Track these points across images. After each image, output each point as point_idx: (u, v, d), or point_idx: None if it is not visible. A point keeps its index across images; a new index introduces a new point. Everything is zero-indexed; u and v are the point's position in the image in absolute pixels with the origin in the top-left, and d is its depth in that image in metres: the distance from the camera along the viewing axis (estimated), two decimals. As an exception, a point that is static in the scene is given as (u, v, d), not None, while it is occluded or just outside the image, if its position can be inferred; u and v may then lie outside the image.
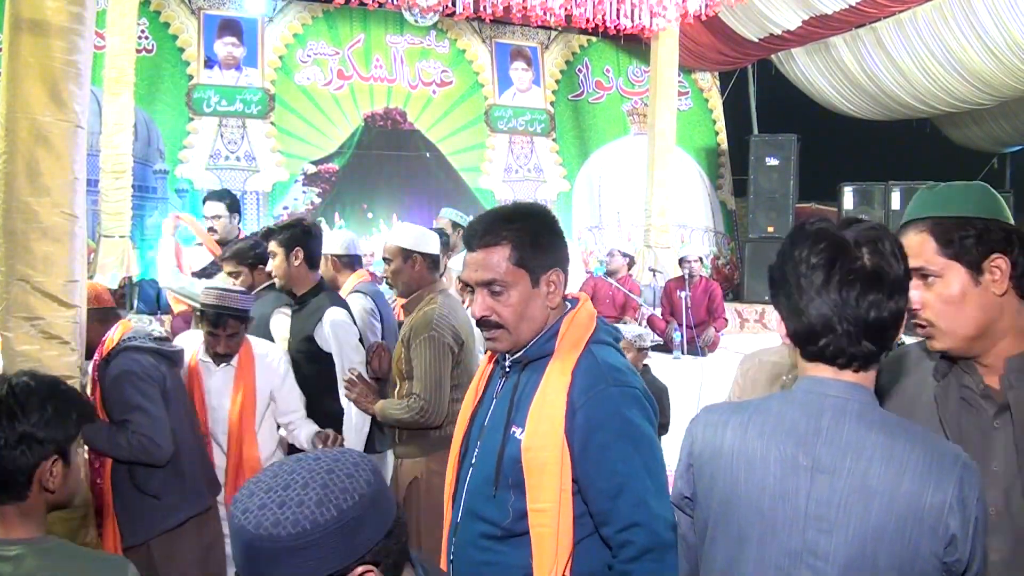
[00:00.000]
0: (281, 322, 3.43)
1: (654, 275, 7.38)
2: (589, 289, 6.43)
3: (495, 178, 8.81)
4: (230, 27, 7.92)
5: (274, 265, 3.30)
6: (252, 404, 3.04)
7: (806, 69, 9.02)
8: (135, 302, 5.75)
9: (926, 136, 9.85)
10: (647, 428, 1.59)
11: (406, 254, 3.11)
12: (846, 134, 9.63)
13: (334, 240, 3.86)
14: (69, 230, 2.55)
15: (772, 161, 8.63)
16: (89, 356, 2.77)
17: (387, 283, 3.55)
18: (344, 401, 3.18)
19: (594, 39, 9.28)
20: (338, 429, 3.15)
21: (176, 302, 4.30)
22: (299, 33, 8.19)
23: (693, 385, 5.66)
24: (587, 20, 6.59)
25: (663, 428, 4.31)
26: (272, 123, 7.93)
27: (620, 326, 4.35)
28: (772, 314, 8.28)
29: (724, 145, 10.02)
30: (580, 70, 9.42)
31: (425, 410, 2.87)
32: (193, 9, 7.80)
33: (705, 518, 1.38)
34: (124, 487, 2.66)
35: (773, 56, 9.13)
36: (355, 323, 3.34)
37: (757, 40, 8.51)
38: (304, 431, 3.16)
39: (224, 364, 3.07)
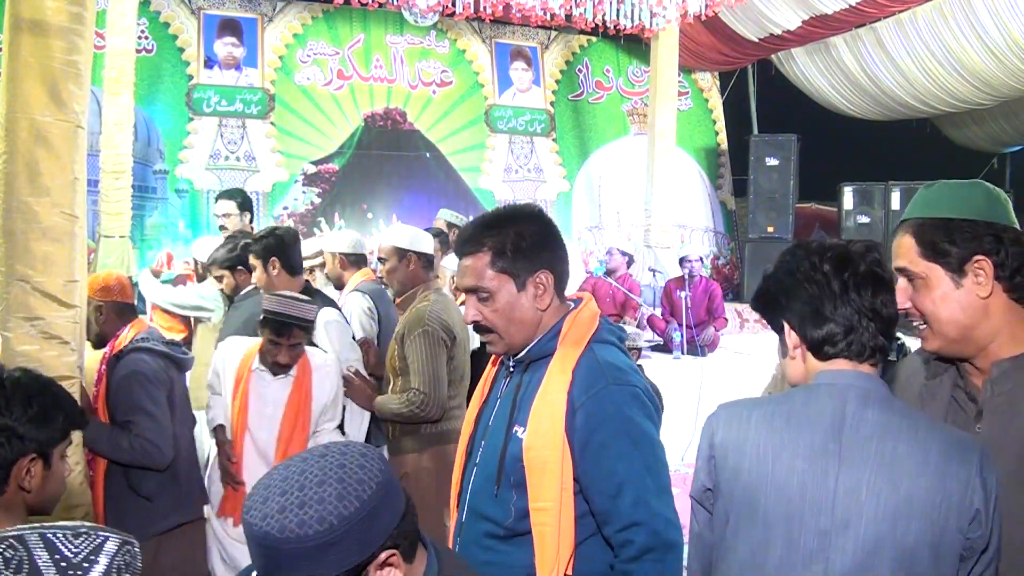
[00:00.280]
0: None
1: (654, 275, 7.39)
2: (588, 288, 6.43)
3: (495, 178, 8.81)
4: (230, 27, 7.92)
5: (256, 278, 3.31)
6: (308, 418, 2.95)
7: (806, 69, 9.02)
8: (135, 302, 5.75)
9: (926, 136, 9.86)
10: (648, 427, 1.59)
11: (401, 253, 3.21)
12: (846, 134, 9.63)
13: (342, 239, 3.97)
14: (69, 230, 2.54)
15: (772, 161, 8.63)
16: (101, 346, 2.79)
17: (381, 282, 3.59)
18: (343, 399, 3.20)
19: (594, 39, 9.28)
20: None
21: (156, 311, 4.42)
22: (299, 33, 8.19)
23: (693, 385, 5.66)
24: (586, 21, 6.59)
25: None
26: (272, 123, 7.93)
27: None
28: (772, 314, 8.30)
29: (724, 145, 10.02)
30: (580, 70, 9.42)
31: (425, 403, 2.94)
32: (193, 9, 7.80)
33: (727, 509, 1.41)
34: (117, 487, 2.66)
35: (773, 56, 9.13)
36: (347, 322, 3.36)
37: (757, 40, 8.51)
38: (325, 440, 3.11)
39: (282, 375, 2.94)
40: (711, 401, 5.19)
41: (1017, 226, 1.41)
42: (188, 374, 3.15)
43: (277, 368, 2.92)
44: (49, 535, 1.06)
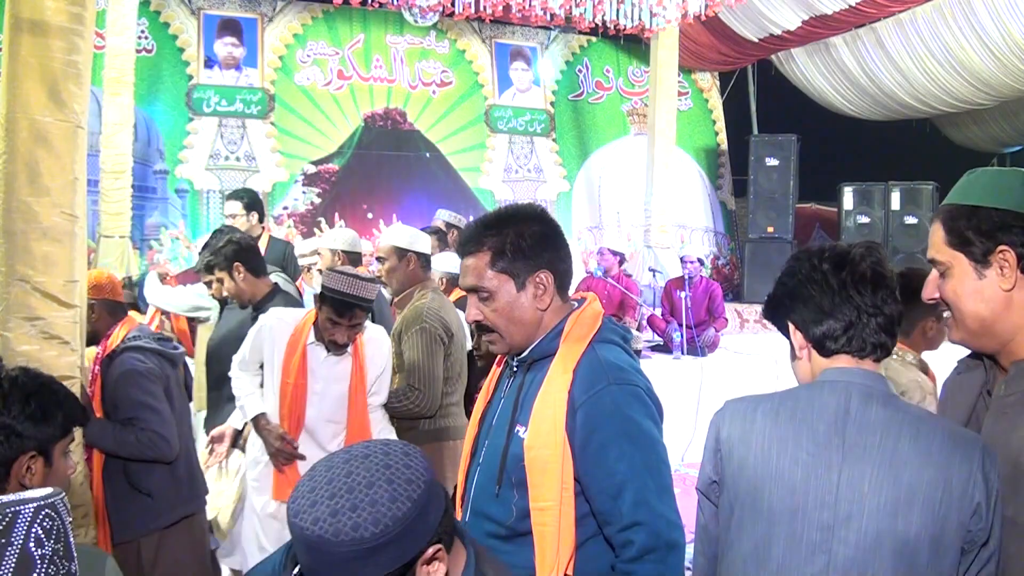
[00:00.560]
0: None
1: (654, 275, 7.39)
2: (584, 288, 6.44)
3: (495, 178, 8.81)
4: (230, 27, 7.92)
5: (225, 288, 3.29)
6: (364, 394, 2.89)
7: (806, 69, 9.02)
8: (135, 302, 5.75)
9: (926, 136, 9.86)
10: (649, 427, 1.58)
11: (401, 253, 3.27)
12: (846, 134, 9.63)
13: (340, 236, 4.04)
14: (69, 230, 2.54)
15: (772, 161, 8.63)
16: (93, 343, 2.79)
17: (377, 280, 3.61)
18: None
19: (594, 39, 9.28)
20: None
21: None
22: (299, 33, 8.19)
23: (693, 385, 5.66)
24: (585, 21, 6.59)
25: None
26: (272, 123, 7.93)
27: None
28: (772, 314, 8.31)
29: (724, 145, 10.02)
30: (580, 70, 9.42)
31: (419, 399, 3.00)
32: (193, 9, 7.80)
33: (731, 502, 1.42)
34: (117, 483, 2.66)
35: (773, 56, 9.13)
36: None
37: (757, 40, 8.52)
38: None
39: (336, 353, 2.84)
40: (711, 401, 5.19)
41: None
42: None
43: (333, 347, 2.82)
44: None
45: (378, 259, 3.40)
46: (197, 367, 3.78)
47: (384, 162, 8.29)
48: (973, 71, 7.58)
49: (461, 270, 1.71)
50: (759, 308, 8.35)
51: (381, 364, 2.95)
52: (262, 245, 4.68)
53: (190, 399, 3.41)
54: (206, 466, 3.06)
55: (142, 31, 7.26)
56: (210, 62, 7.79)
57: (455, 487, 1.83)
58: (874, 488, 1.29)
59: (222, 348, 3.31)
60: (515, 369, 1.73)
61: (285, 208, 7.84)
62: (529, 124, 9.07)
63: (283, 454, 2.84)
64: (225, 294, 3.29)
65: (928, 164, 9.32)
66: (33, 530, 1.02)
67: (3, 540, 1.00)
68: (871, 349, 1.39)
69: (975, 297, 1.35)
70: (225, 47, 7.86)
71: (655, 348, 6.58)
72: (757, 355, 6.48)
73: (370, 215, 8.15)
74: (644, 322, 6.71)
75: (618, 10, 6.56)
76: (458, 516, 1.78)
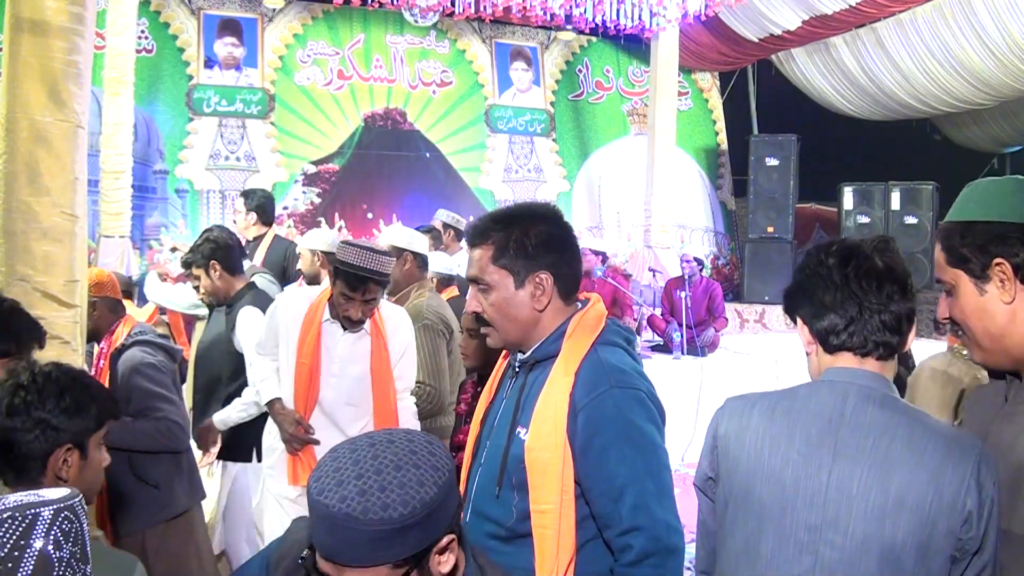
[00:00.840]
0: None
1: (654, 275, 7.39)
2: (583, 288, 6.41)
3: (495, 178, 8.81)
4: (230, 27, 7.92)
5: (202, 286, 3.27)
6: (388, 375, 2.77)
7: (806, 69, 9.02)
8: (135, 301, 5.76)
9: (926, 136, 9.86)
10: (650, 430, 1.57)
11: (399, 252, 3.31)
12: (846, 134, 9.63)
13: (321, 237, 4.08)
14: (69, 230, 2.55)
15: (772, 161, 8.63)
16: (92, 340, 2.81)
17: None
18: None
19: (594, 39, 9.28)
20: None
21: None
22: (299, 33, 8.19)
23: (693, 385, 5.66)
24: (586, 21, 6.59)
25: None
26: (272, 123, 7.93)
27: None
28: (772, 314, 8.32)
29: (724, 145, 10.02)
30: (580, 70, 9.42)
31: (431, 395, 3.01)
32: (193, 9, 7.80)
33: (726, 497, 1.42)
34: (122, 476, 2.66)
35: (773, 56, 9.13)
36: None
37: (757, 40, 8.52)
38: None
39: (352, 330, 2.73)
40: (711, 401, 5.19)
41: None
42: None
43: (348, 323, 2.70)
44: None
45: None
46: (190, 367, 3.80)
47: (384, 162, 8.29)
48: (973, 71, 7.58)
49: (468, 260, 1.74)
50: (759, 308, 8.41)
51: (403, 342, 2.84)
52: (264, 245, 4.69)
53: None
54: (200, 464, 3.07)
55: (142, 31, 7.26)
56: (210, 62, 7.79)
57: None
58: (863, 491, 1.27)
59: (211, 350, 3.28)
60: (517, 370, 1.73)
61: (285, 208, 7.84)
62: (529, 124, 9.07)
63: (297, 439, 2.75)
64: (202, 292, 3.29)
65: (928, 164, 9.32)
66: (52, 532, 1.01)
67: (23, 542, 0.99)
68: (873, 347, 1.35)
69: (980, 314, 1.33)
70: (225, 47, 7.86)
71: (655, 348, 6.58)
72: (757, 355, 6.48)
73: (370, 215, 8.15)
74: (644, 322, 6.71)
75: (618, 10, 6.56)
76: (461, 516, 1.79)
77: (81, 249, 2.63)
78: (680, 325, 6.23)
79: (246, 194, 4.83)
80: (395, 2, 6.86)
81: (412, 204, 8.18)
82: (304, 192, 7.97)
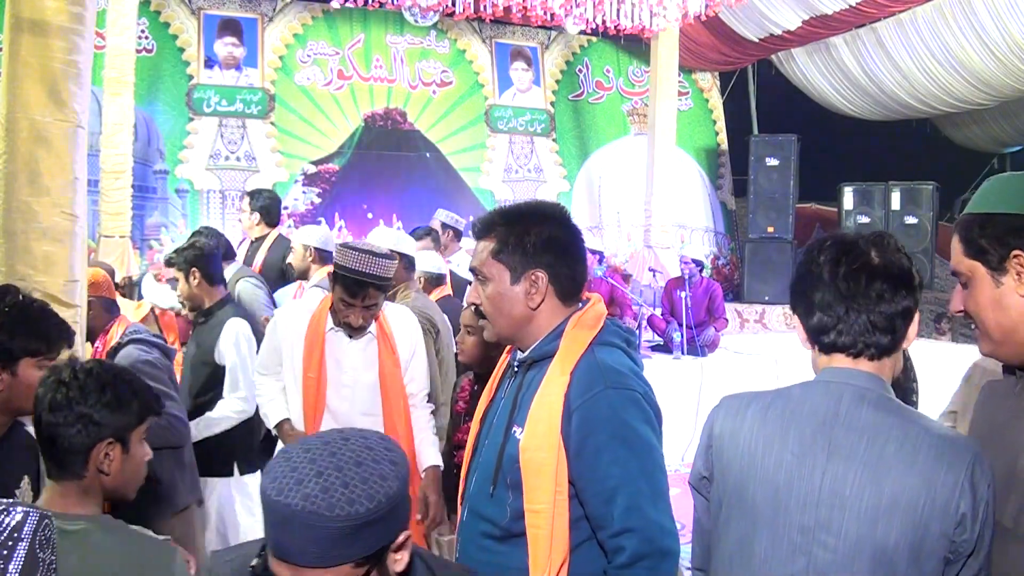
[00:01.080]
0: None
1: (654, 275, 7.39)
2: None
3: (495, 178, 8.81)
4: (230, 27, 7.92)
5: (180, 289, 3.28)
6: (398, 380, 2.67)
7: (806, 69, 9.02)
8: (134, 299, 5.77)
9: (926, 136, 9.86)
10: (645, 432, 1.57)
11: None
12: (846, 134, 9.63)
13: (314, 233, 4.10)
14: (69, 230, 2.55)
15: (772, 161, 8.62)
16: (87, 339, 2.84)
17: None
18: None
19: (594, 39, 9.28)
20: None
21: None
22: (299, 33, 8.19)
23: (693, 385, 5.66)
24: (587, 21, 6.59)
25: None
26: (272, 123, 7.93)
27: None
28: (772, 314, 8.32)
29: (724, 145, 10.02)
30: (580, 70, 9.42)
31: (429, 392, 3.04)
32: (193, 9, 7.80)
33: (720, 497, 1.42)
34: None
35: (773, 56, 9.13)
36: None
37: (757, 40, 8.52)
38: (428, 436, 2.75)
39: (358, 337, 2.64)
40: (711, 401, 5.16)
41: None
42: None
43: (350, 330, 2.62)
44: None
45: None
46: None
47: (384, 162, 8.29)
48: (973, 71, 7.58)
49: (474, 250, 1.76)
50: (759, 308, 8.41)
51: (411, 343, 2.76)
52: (266, 245, 4.69)
53: None
54: None
55: (142, 31, 7.25)
56: (210, 62, 7.79)
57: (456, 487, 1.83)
58: (856, 493, 1.26)
59: (197, 361, 3.24)
60: (516, 369, 1.73)
61: (285, 208, 7.82)
62: (529, 124, 9.07)
63: None
64: (180, 295, 3.28)
65: (928, 164, 9.32)
66: (38, 535, 1.07)
67: (16, 535, 1.05)
68: (863, 347, 1.33)
69: (994, 306, 1.33)
70: (225, 47, 7.86)
71: (655, 348, 6.58)
72: (757, 355, 6.48)
73: (370, 215, 8.14)
74: (644, 322, 6.71)
75: (618, 10, 6.56)
76: (459, 513, 1.79)
77: (81, 249, 2.63)
78: (680, 325, 6.23)
79: (252, 194, 4.83)
80: (395, 2, 6.85)
81: (412, 204, 8.18)
82: (304, 192, 7.97)
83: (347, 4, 6.86)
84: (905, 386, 2.26)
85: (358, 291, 2.52)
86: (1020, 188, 1.33)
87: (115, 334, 2.79)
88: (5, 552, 1.02)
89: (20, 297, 1.91)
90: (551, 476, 1.55)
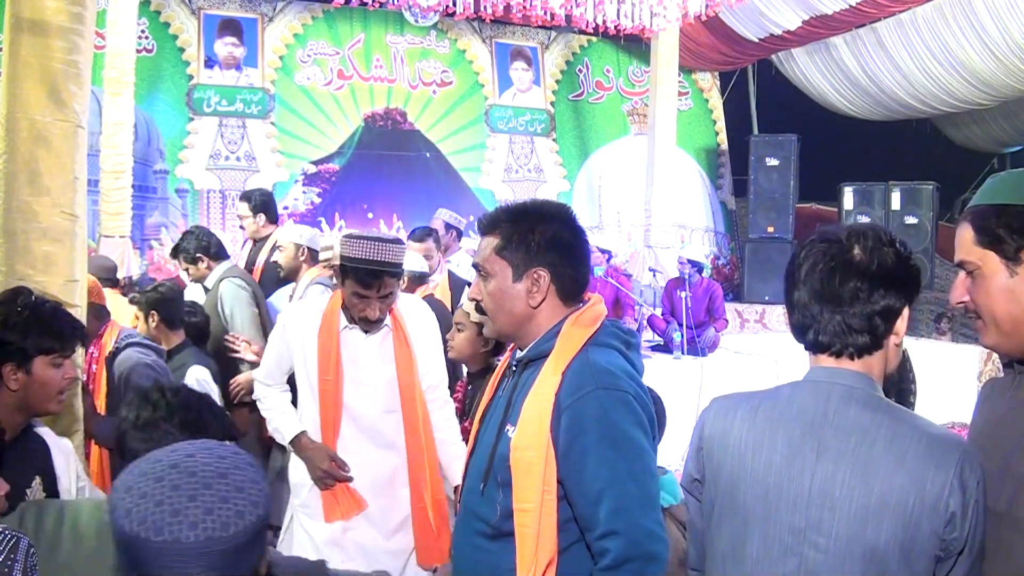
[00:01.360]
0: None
1: (654, 275, 7.39)
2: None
3: (495, 178, 8.81)
4: (230, 27, 7.92)
5: (139, 326, 3.33)
6: (413, 375, 2.53)
7: (806, 69, 9.02)
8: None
9: (926, 136, 9.86)
10: (635, 434, 1.55)
11: None
12: (846, 134, 9.63)
13: (304, 232, 4.07)
14: (69, 230, 2.55)
15: (772, 161, 8.63)
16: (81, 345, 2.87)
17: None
18: None
19: (594, 39, 9.28)
20: None
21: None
22: (299, 33, 8.19)
23: (693, 385, 5.66)
24: (587, 22, 6.59)
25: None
26: (272, 123, 7.93)
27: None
28: (772, 314, 8.32)
29: (724, 145, 10.02)
30: (580, 70, 9.42)
31: None
32: (193, 9, 7.80)
33: (712, 499, 1.41)
34: None
35: (773, 56, 9.13)
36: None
37: (757, 40, 8.52)
38: (454, 447, 2.58)
39: (374, 331, 2.50)
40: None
41: None
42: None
43: (366, 325, 2.47)
44: None
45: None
46: None
47: (384, 162, 8.29)
48: (973, 71, 7.58)
49: (478, 246, 1.77)
50: (759, 308, 8.41)
51: (427, 334, 2.62)
52: (268, 244, 4.68)
53: None
54: None
55: (142, 31, 7.25)
56: (210, 62, 7.79)
57: (457, 485, 1.84)
58: (845, 493, 1.26)
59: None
60: (514, 368, 1.73)
61: (285, 208, 7.83)
62: (529, 124, 9.07)
63: (331, 477, 2.48)
64: (137, 331, 3.31)
65: (928, 164, 9.32)
66: (29, 559, 1.13)
67: (13, 555, 1.10)
68: (842, 347, 1.32)
69: (1006, 296, 1.31)
70: (225, 47, 7.86)
71: (655, 348, 6.58)
72: (757, 355, 6.48)
73: (370, 215, 8.15)
74: (644, 322, 6.71)
75: (618, 10, 6.56)
76: (457, 510, 1.80)
77: (81, 249, 2.63)
78: (680, 325, 6.23)
79: (246, 196, 4.75)
80: (395, 2, 6.85)
81: (412, 204, 8.18)
82: (304, 192, 7.97)
83: (347, 4, 6.86)
84: (903, 387, 2.24)
85: (372, 281, 2.38)
86: None
87: (110, 339, 2.82)
88: (6, 570, 1.05)
89: (32, 298, 1.92)
90: (539, 475, 1.55)
